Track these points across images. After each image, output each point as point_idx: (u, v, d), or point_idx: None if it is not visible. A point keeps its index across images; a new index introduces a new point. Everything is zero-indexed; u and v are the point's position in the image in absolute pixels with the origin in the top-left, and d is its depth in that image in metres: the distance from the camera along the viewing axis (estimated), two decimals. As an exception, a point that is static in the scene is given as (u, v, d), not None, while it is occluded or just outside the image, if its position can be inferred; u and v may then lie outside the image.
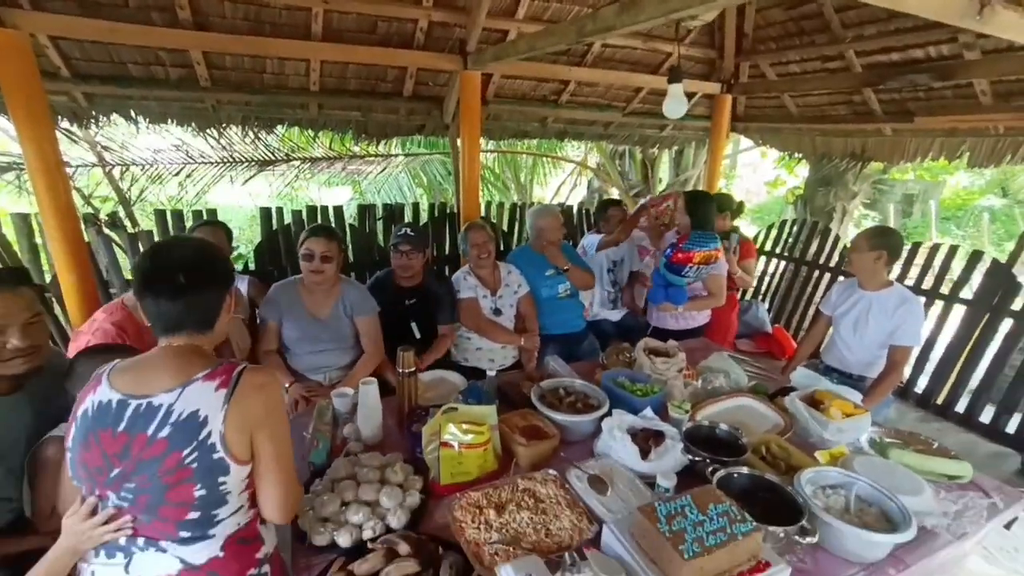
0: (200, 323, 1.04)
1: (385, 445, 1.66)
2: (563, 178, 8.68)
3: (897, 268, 2.57)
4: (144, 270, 1.01)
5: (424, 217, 3.86)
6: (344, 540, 1.24)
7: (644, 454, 1.53)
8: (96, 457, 0.96)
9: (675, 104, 2.53)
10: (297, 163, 4.81)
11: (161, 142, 4.27)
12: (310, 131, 3.60)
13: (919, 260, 3.36)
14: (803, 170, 6.33)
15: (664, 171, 6.91)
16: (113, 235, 2.98)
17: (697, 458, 1.50)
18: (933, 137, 3.24)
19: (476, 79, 3.09)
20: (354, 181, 6.38)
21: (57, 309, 2.73)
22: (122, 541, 0.98)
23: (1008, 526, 1.66)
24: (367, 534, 1.25)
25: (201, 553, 0.99)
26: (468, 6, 2.94)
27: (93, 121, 2.91)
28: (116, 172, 4.32)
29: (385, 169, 5.95)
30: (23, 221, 2.76)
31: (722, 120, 4.00)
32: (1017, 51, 2.36)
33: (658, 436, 1.60)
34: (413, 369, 1.76)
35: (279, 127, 3.42)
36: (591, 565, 1.03)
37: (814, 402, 1.84)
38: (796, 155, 4.30)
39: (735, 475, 1.41)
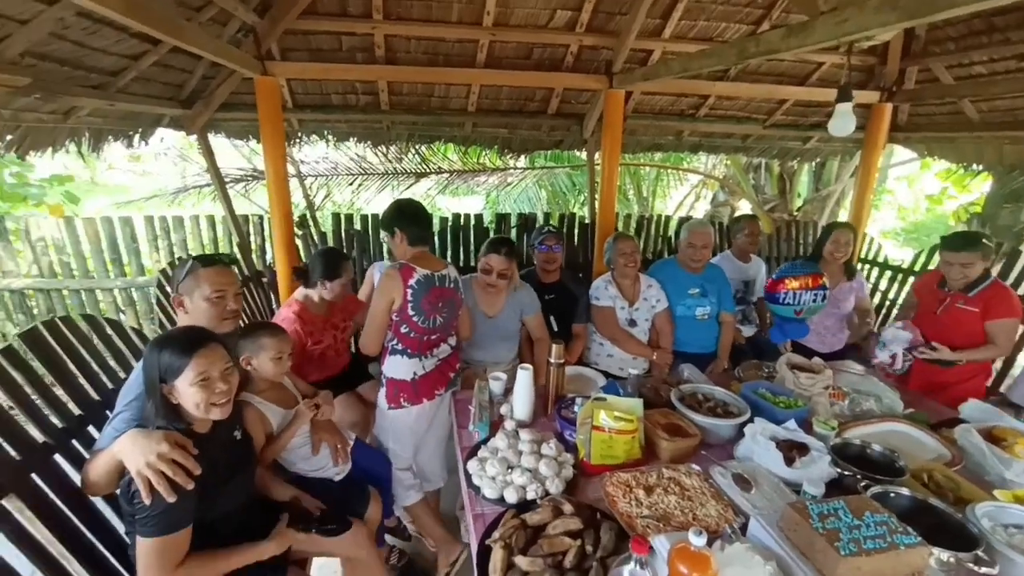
0: (430, 240, 2.05)
1: (534, 425, 1.87)
2: (687, 191, 8.46)
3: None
4: (413, 216, 1.97)
5: (554, 226, 4.10)
6: (511, 496, 1.46)
7: (789, 462, 1.56)
8: (433, 301, 1.92)
9: (843, 122, 2.46)
10: (444, 175, 5.41)
11: (335, 154, 5.11)
12: (461, 146, 4.05)
13: None
14: (979, 184, 5.51)
15: (803, 185, 6.45)
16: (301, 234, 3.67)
17: (847, 472, 1.49)
18: None
19: (620, 97, 3.25)
20: (484, 191, 6.88)
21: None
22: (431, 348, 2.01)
23: None
24: (531, 495, 1.46)
25: (453, 340, 2.13)
26: (618, 29, 3.12)
27: (299, 140, 3.61)
28: (308, 182, 5.26)
29: (516, 182, 6.37)
30: (246, 221, 3.54)
31: (879, 132, 3.67)
32: None
33: (802, 447, 1.60)
34: (563, 361, 1.97)
35: (436, 143, 3.91)
36: (747, 540, 1.12)
37: (992, 438, 1.70)
38: (975, 167, 3.79)
39: (891, 494, 1.38)
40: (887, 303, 3.89)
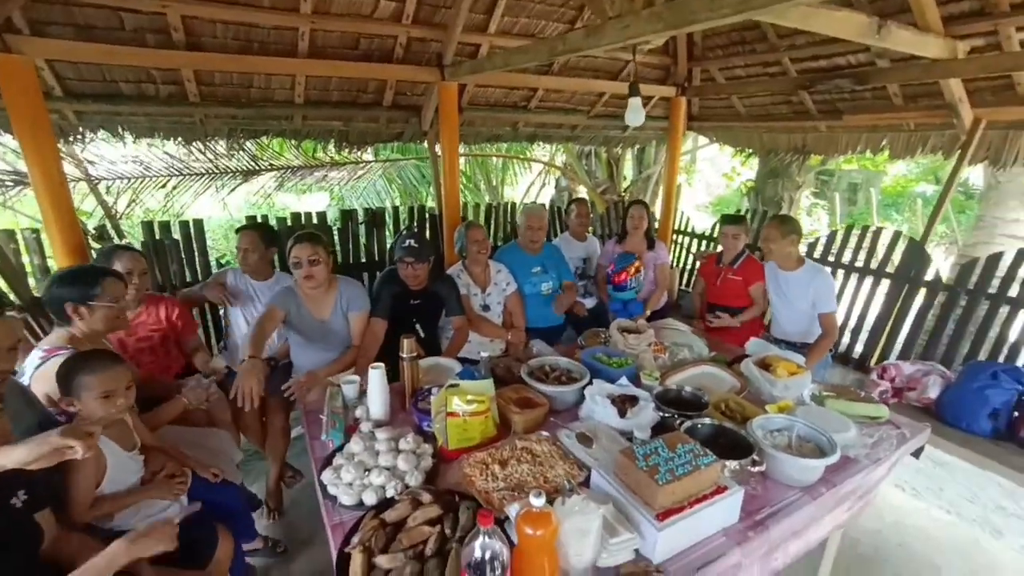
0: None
1: (392, 423, 1.85)
2: (532, 178, 8.96)
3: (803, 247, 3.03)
4: None
5: (404, 220, 4.04)
6: (370, 498, 1.43)
7: (622, 414, 1.78)
8: None
9: (635, 114, 2.85)
10: (279, 172, 4.93)
11: (145, 155, 4.33)
12: (293, 141, 3.74)
13: (865, 244, 3.56)
14: (756, 163, 6.80)
15: (628, 168, 7.27)
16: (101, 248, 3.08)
17: (667, 414, 1.76)
18: (859, 133, 3.65)
19: (453, 89, 3.30)
20: (329, 187, 6.47)
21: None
22: None
23: (916, 455, 2.02)
24: (390, 492, 1.45)
25: None
26: (444, 22, 3.15)
27: (80, 137, 2.99)
28: (101, 186, 4.35)
29: (362, 176, 6.10)
30: (10, 238, 2.83)
31: (678, 120, 4.34)
32: (917, 60, 2.73)
33: (633, 399, 1.84)
34: (415, 354, 1.97)
35: (263, 138, 3.55)
36: (584, 493, 1.27)
37: (765, 365, 2.13)
38: (747, 150, 4.69)
39: (699, 425, 1.67)
40: (698, 263, 4.61)
